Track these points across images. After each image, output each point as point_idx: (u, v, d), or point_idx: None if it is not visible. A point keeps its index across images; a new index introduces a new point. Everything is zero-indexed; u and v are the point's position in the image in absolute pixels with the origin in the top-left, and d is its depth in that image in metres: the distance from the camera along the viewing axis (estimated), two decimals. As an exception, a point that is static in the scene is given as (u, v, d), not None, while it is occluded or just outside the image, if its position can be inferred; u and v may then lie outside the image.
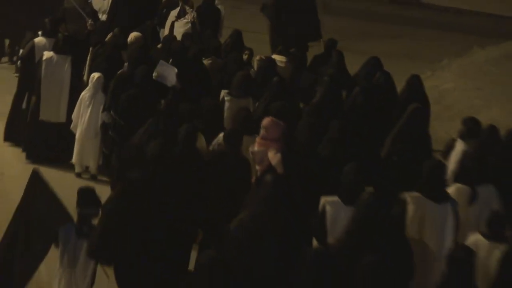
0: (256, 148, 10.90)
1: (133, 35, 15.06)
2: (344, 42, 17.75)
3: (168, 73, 13.33)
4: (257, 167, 10.66)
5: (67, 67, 14.09)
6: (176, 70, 13.38)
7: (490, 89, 17.48)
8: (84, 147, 13.87)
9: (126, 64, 14.01)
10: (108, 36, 15.51)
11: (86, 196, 9.36)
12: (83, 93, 13.73)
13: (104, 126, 13.38)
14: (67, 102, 14.11)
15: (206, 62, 14.61)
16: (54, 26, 15.22)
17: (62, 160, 14.08)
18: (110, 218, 9.29)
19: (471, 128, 11.89)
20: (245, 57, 15.31)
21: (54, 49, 14.19)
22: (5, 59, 20.23)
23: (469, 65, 22.51)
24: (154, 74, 13.15)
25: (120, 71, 13.77)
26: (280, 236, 8.60)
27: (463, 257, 8.19)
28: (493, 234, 9.14)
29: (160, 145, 9.77)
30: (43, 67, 14.02)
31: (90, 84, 13.74)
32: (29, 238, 9.37)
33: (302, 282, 7.89)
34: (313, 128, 11.28)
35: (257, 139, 11.01)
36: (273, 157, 10.62)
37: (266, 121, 11.15)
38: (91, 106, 13.64)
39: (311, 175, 10.44)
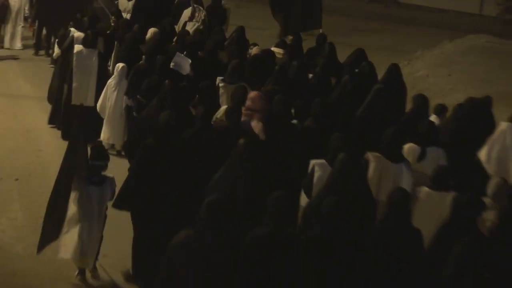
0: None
1: (151, 31, 15.22)
2: (332, 36, 17.92)
3: (183, 63, 13.30)
4: None
5: (94, 59, 14.21)
6: (190, 61, 13.36)
7: (457, 76, 17.59)
8: (111, 127, 13.98)
9: (144, 56, 14.06)
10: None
11: (97, 151, 9.73)
12: (109, 81, 13.91)
13: (128, 109, 13.43)
14: (95, 89, 14.20)
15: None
16: (92, 24, 15.53)
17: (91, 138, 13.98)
18: (132, 176, 9.70)
19: (441, 108, 12.41)
20: (250, 50, 15.12)
21: (84, 43, 14.35)
22: (41, 52, 20.11)
23: (439, 56, 22.50)
24: (172, 64, 13.14)
25: (138, 63, 13.83)
26: (249, 189, 8.77)
27: (399, 199, 8.28)
28: (439, 185, 9.28)
29: (169, 115, 9.78)
30: (75, 58, 14.13)
31: (115, 73, 13.89)
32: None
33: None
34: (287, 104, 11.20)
35: (243, 109, 10.93)
36: (256, 125, 10.74)
37: (253, 93, 11.38)
38: (116, 91, 13.81)
39: (291, 142, 10.53)
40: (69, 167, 9.42)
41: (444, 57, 22.17)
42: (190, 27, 17.19)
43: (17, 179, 11.11)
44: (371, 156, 9.84)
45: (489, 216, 8.80)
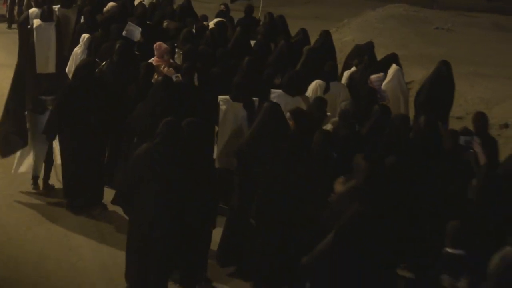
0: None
1: (109, 4, 15.02)
2: (268, 8, 17.98)
3: (134, 31, 13.13)
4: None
5: (52, 31, 13.79)
6: (140, 29, 13.23)
7: (379, 40, 17.72)
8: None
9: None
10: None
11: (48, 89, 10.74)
12: (75, 49, 13.57)
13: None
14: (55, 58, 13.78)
15: (164, 24, 14.49)
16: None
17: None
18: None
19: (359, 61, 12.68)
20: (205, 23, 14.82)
21: (42, 17, 13.92)
22: (14, 25, 19.63)
23: (363, 23, 22.59)
24: (124, 32, 12.95)
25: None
26: None
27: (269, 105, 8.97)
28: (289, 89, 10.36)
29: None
30: (35, 32, 13.69)
31: (81, 42, 13.59)
32: None
33: None
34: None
35: (154, 59, 11.48)
36: (167, 71, 11.26)
37: (156, 44, 11.74)
38: (81, 58, 13.15)
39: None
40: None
41: (367, 24, 22.34)
42: (147, 2, 16.77)
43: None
44: (275, 92, 10.58)
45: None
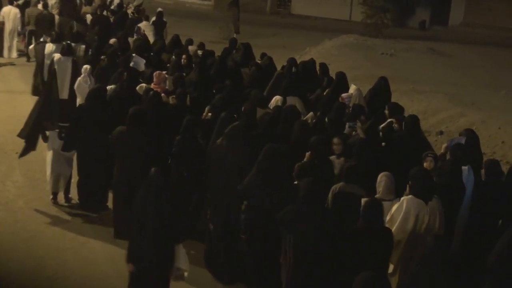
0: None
1: (112, 40, 15.12)
2: (242, 40, 17.98)
3: (139, 62, 13.29)
4: None
5: (69, 64, 13.65)
6: (144, 61, 13.30)
7: (335, 65, 17.83)
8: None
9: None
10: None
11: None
12: (79, 79, 12.90)
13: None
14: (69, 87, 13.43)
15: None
16: (72, 38, 15.06)
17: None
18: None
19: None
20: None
21: (61, 52, 13.84)
22: (32, 59, 18.78)
23: (322, 51, 22.75)
24: (132, 63, 12.98)
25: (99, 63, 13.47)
26: None
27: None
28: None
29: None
30: (56, 65, 13.44)
31: (83, 73, 12.81)
32: None
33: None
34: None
35: (152, 85, 11.26)
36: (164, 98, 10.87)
37: (156, 73, 11.53)
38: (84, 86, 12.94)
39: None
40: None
41: (325, 51, 22.46)
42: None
43: (17, 153, 10.91)
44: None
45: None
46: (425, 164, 8.22)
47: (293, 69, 13.39)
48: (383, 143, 9.47)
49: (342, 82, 12.29)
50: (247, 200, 7.50)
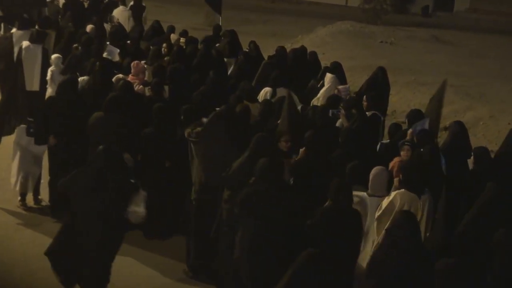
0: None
1: (88, 27, 14.94)
2: (229, 26, 17.87)
3: (113, 51, 13.24)
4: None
5: (39, 52, 13.10)
6: (118, 50, 13.29)
7: (329, 54, 17.93)
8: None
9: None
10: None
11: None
12: (50, 69, 12.88)
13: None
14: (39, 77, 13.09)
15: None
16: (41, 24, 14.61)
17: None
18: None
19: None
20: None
21: (30, 39, 13.33)
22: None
23: (315, 38, 22.83)
24: (105, 53, 12.95)
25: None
26: None
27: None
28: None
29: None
30: (23, 52, 13.05)
31: (53, 62, 12.91)
32: None
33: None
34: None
35: (130, 76, 11.23)
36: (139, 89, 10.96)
37: (134, 63, 11.48)
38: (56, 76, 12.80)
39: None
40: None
41: (319, 39, 22.47)
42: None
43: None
44: None
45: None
46: (402, 153, 8.37)
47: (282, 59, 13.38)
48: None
49: (338, 74, 12.27)
50: (229, 189, 7.68)
